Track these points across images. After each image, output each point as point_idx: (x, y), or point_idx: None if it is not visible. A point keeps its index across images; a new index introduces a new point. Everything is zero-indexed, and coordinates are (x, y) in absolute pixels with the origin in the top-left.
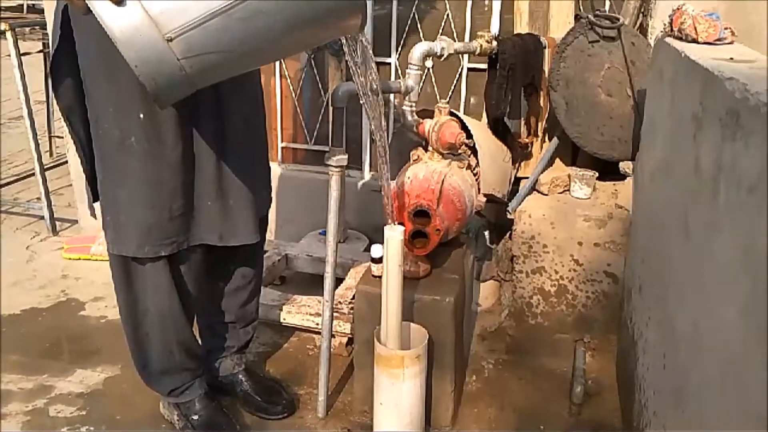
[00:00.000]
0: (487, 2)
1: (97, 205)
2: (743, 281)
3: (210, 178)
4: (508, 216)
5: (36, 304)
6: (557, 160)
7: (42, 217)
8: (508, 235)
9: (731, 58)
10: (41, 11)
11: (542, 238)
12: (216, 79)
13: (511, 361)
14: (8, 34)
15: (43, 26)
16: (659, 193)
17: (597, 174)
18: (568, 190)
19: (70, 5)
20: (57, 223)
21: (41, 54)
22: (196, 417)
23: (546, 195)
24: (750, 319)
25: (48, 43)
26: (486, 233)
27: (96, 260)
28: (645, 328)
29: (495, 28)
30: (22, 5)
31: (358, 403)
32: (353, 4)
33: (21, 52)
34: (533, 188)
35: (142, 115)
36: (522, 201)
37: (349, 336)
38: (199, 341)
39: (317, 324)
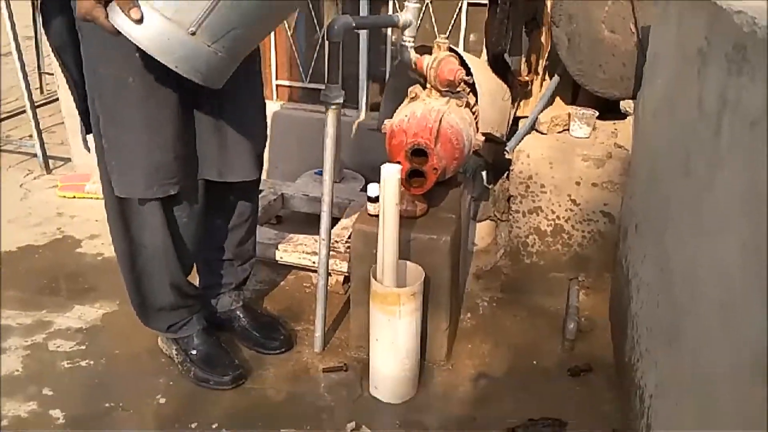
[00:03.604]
0: None
1: (90, 139)
2: (744, 219)
3: (207, 117)
4: (506, 156)
5: (32, 241)
6: (557, 99)
7: (35, 155)
8: (505, 175)
9: None
10: None
11: (540, 178)
12: (250, 48)
13: (505, 299)
14: None
15: None
16: (660, 131)
17: (597, 113)
18: (568, 129)
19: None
20: (50, 161)
21: None
22: (194, 351)
23: (545, 134)
24: (750, 257)
25: None
26: (483, 173)
27: (91, 198)
28: (640, 267)
29: None
30: None
31: (354, 339)
32: None
33: None
34: (532, 127)
35: (138, 54)
36: (520, 140)
37: (346, 274)
38: (198, 278)
39: (314, 262)
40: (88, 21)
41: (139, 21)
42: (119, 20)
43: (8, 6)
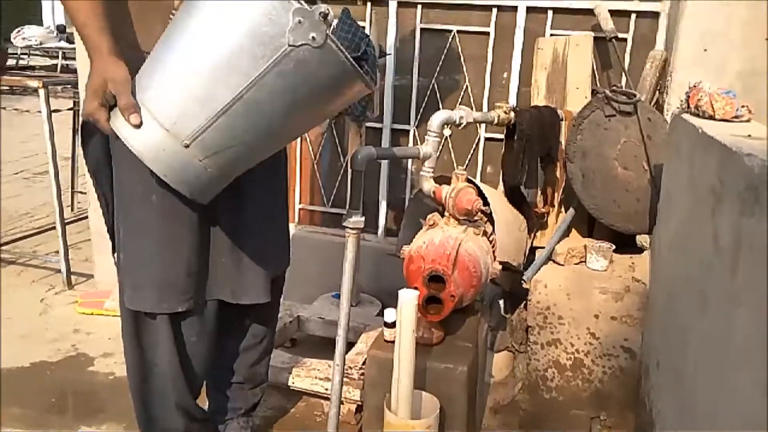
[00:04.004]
0: (505, 75)
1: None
2: (763, 357)
3: (225, 236)
4: (524, 285)
5: (46, 357)
6: (573, 231)
7: (59, 271)
8: (523, 304)
9: (749, 135)
10: (74, 71)
11: (558, 309)
12: (245, 167)
13: None
14: (40, 92)
15: (75, 85)
16: (677, 266)
17: (614, 246)
18: (584, 261)
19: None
20: (73, 277)
21: (71, 112)
22: None
23: (562, 265)
24: None
25: (78, 102)
26: (501, 302)
27: (109, 315)
28: (663, 406)
29: (513, 100)
30: (56, 65)
31: None
32: (346, 74)
33: (51, 109)
34: (549, 258)
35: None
36: (537, 270)
37: (358, 403)
38: (207, 401)
39: (326, 389)
40: (91, 121)
41: (138, 126)
42: (118, 123)
43: (50, 129)
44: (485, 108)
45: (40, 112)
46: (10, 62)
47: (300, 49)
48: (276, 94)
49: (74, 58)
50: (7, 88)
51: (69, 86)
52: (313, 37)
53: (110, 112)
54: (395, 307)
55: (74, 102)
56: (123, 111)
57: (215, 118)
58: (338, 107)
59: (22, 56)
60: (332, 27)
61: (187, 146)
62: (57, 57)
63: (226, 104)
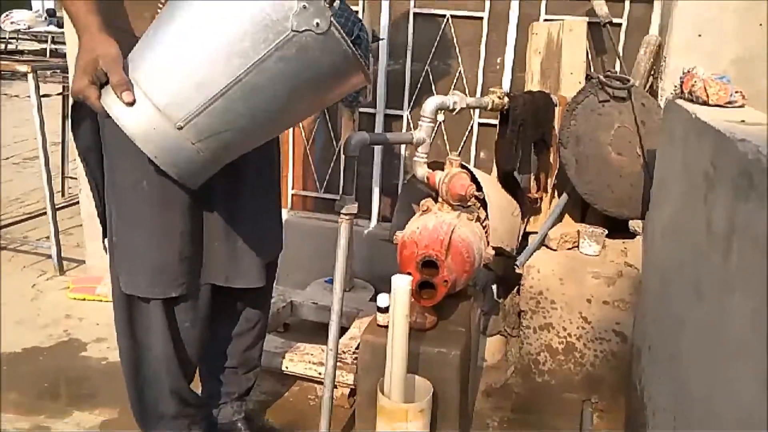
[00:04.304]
0: (499, 60)
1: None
2: (757, 344)
3: (219, 221)
4: (517, 270)
5: (38, 343)
6: (566, 216)
7: (50, 256)
8: (516, 289)
9: (743, 121)
10: (63, 55)
11: (551, 294)
12: (238, 153)
13: (516, 420)
14: (30, 76)
15: (64, 70)
16: (670, 252)
17: (606, 231)
18: (577, 246)
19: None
20: (64, 262)
21: (60, 97)
22: None
23: (555, 250)
24: (766, 384)
25: (68, 87)
26: (493, 287)
27: (101, 301)
28: (655, 390)
29: (507, 85)
30: (45, 49)
31: None
32: (347, 63)
33: (41, 94)
34: (542, 243)
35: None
36: (530, 256)
37: (352, 387)
38: (201, 385)
39: (320, 373)
40: (81, 100)
41: (130, 104)
42: (109, 101)
43: (39, 113)
44: (479, 93)
45: (29, 97)
46: None
47: (303, 35)
48: (275, 80)
49: (63, 43)
50: None
51: (58, 71)
52: (317, 23)
53: (101, 90)
54: (388, 292)
55: (63, 87)
56: (115, 88)
57: (211, 101)
58: (335, 98)
59: (10, 40)
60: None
61: (180, 128)
62: (46, 41)
63: (224, 87)
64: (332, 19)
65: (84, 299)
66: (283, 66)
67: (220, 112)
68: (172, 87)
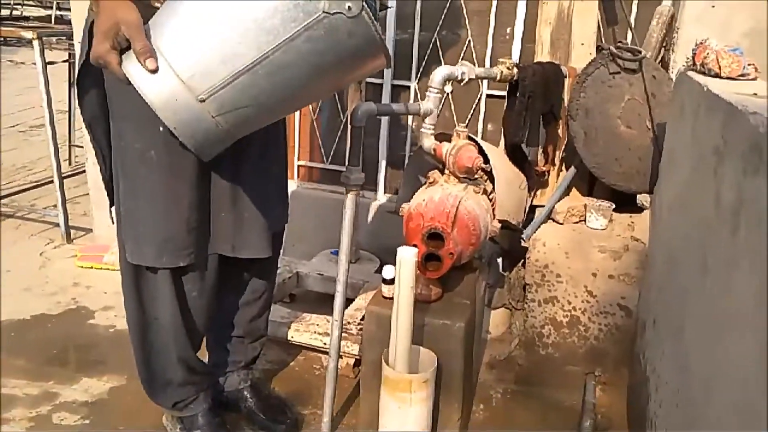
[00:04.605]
0: (508, 30)
1: (114, 211)
2: (760, 319)
3: (226, 191)
4: (523, 244)
5: (46, 310)
6: (573, 190)
7: (57, 225)
8: (521, 263)
9: (755, 94)
10: (69, 22)
11: (556, 267)
12: (254, 128)
13: (519, 391)
14: (35, 43)
15: (70, 37)
16: (677, 226)
17: (614, 205)
18: (584, 220)
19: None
20: (72, 231)
21: (66, 64)
22: None
23: (561, 224)
24: (765, 360)
25: (74, 54)
26: (499, 260)
27: (108, 269)
28: (658, 364)
29: (516, 56)
30: (51, 15)
31: (363, 425)
32: (374, 48)
33: (47, 61)
34: (548, 217)
35: (162, 128)
36: (537, 229)
37: (357, 357)
38: (207, 354)
39: (325, 343)
40: (101, 65)
41: (154, 72)
42: (131, 68)
43: (45, 81)
44: (488, 64)
45: (34, 64)
46: (4, 12)
47: (333, 17)
48: (301, 59)
49: (69, 9)
50: (1, 39)
51: (64, 38)
52: (348, 6)
53: (122, 56)
54: (394, 263)
55: (69, 54)
56: (139, 55)
57: (236, 75)
58: (354, 79)
59: (15, 6)
60: None
61: (202, 101)
62: (51, 7)
63: (250, 63)
64: (364, 3)
65: (92, 267)
66: (311, 46)
67: (244, 87)
68: (197, 59)
